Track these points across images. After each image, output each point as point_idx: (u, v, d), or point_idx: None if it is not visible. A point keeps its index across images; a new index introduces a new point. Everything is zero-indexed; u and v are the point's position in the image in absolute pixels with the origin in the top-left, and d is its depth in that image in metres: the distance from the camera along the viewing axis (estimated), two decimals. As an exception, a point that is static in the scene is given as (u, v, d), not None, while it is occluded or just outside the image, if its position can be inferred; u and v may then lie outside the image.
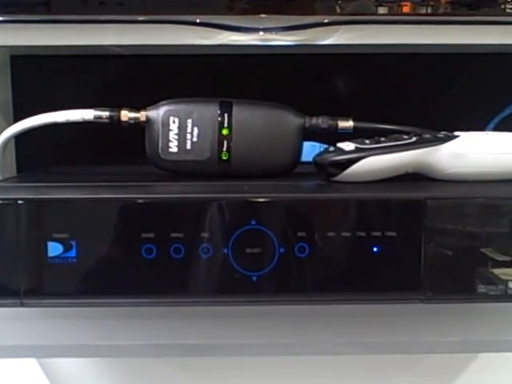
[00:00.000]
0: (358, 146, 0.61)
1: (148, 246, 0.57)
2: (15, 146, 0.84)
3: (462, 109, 0.85)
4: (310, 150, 0.69)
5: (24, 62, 0.87)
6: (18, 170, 0.85)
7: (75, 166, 0.80)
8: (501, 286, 0.58)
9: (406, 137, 0.62)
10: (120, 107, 0.65)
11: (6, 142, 0.68)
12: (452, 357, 0.98)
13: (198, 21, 0.66)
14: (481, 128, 0.70)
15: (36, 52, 0.82)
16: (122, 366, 0.98)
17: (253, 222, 0.57)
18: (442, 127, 0.65)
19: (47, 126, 0.66)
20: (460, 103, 0.86)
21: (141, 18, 0.67)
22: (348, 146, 0.62)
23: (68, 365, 0.99)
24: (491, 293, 0.58)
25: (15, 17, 0.68)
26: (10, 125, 0.77)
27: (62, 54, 0.83)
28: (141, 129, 0.65)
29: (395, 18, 0.67)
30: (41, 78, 0.87)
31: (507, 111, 0.78)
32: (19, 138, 0.69)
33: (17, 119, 0.79)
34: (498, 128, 0.74)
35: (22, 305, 0.57)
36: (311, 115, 0.67)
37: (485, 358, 0.99)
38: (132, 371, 0.98)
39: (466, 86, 0.86)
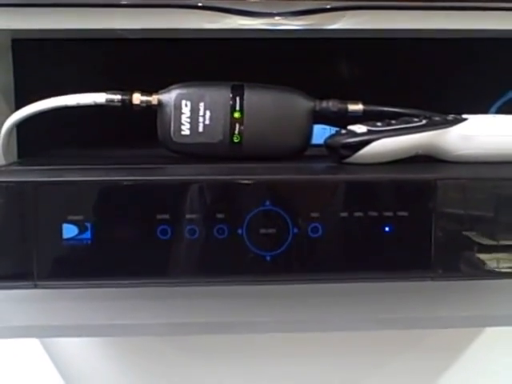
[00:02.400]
0: (370, 128, 0.62)
1: (163, 227, 0.57)
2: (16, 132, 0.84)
3: (465, 93, 0.86)
4: (320, 132, 0.69)
5: (25, 45, 0.86)
6: (19, 155, 0.84)
7: (82, 149, 0.81)
8: (508, 264, 0.59)
9: (416, 119, 0.63)
10: (132, 90, 0.66)
11: (15, 125, 0.69)
12: (456, 333, 0.99)
13: (206, 5, 0.67)
14: (483, 112, 0.71)
15: (37, 36, 0.82)
16: (128, 346, 0.99)
17: (267, 203, 0.58)
18: (445, 111, 0.66)
19: (50, 111, 0.67)
20: (463, 88, 0.87)
21: (150, 2, 0.67)
22: (360, 128, 0.63)
23: (72, 346, 0.99)
24: (499, 270, 0.59)
25: (17, 0, 0.68)
26: (11, 108, 0.78)
27: (63, 38, 0.83)
28: (148, 113, 0.66)
29: (401, 4, 0.68)
30: (42, 61, 0.87)
31: (509, 95, 0.79)
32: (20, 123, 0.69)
33: (18, 103, 0.80)
34: (499, 112, 0.74)
35: (36, 286, 0.58)
36: (321, 99, 0.68)
37: (489, 333, 1.00)
38: (141, 352, 0.98)
39: (469, 71, 0.87)
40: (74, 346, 0.99)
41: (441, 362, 1.02)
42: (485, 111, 0.77)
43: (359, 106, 0.68)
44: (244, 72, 0.69)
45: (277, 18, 0.69)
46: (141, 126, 0.66)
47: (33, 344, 0.99)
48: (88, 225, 0.57)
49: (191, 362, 1.00)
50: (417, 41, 0.84)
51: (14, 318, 0.58)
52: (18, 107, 0.70)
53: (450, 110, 0.66)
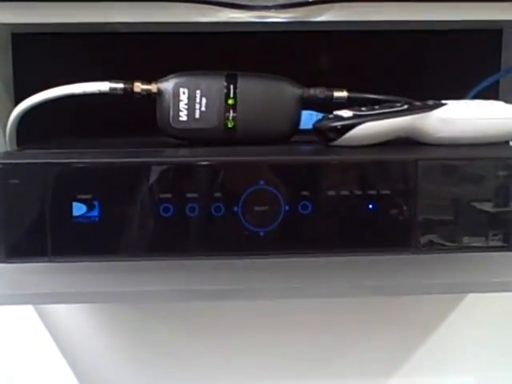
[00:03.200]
0: (356, 113, 0.66)
1: (165, 205, 0.62)
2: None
3: (443, 81, 0.90)
4: (308, 118, 0.72)
5: (25, 39, 0.89)
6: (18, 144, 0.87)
7: (81, 137, 0.83)
8: (482, 238, 0.63)
9: (398, 104, 0.67)
10: (133, 79, 0.69)
11: (22, 114, 0.72)
12: (439, 301, 1.03)
13: (200, -1, 0.71)
14: (461, 98, 0.75)
15: (36, 30, 0.85)
16: (123, 316, 1.03)
17: (261, 183, 0.62)
18: (426, 98, 0.69)
19: (48, 102, 0.70)
20: (441, 76, 0.91)
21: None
22: (346, 113, 0.66)
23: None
24: (474, 244, 0.63)
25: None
26: (11, 100, 0.81)
27: (61, 32, 0.86)
28: (142, 102, 0.70)
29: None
30: (41, 54, 0.90)
31: (484, 84, 0.82)
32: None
33: (18, 95, 0.83)
34: (475, 98, 0.77)
35: (50, 261, 0.62)
36: (309, 86, 0.71)
37: (467, 302, 1.04)
38: (137, 321, 1.02)
39: (447, 61, 0.92)
40: (68, 315, 1.02)
41: (424, 330, 1.06)
42: (462, 98, 0.80)
43: (344, 93, 0.71)
44: (238, 62, 0.73)
45: (265, 11, 0.72)
46: (141, 114, 0.70)
47: (28, 313, 1.02)
48: (96, 203, 0.61)
49: (183, 332, 1.03)
50: (400, 32, 0.88)
51: (31, 287, 0.61)
52: (17, 98, 0.74)
53: (431, 98, 0.69)
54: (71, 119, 0.87)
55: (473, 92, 0.81)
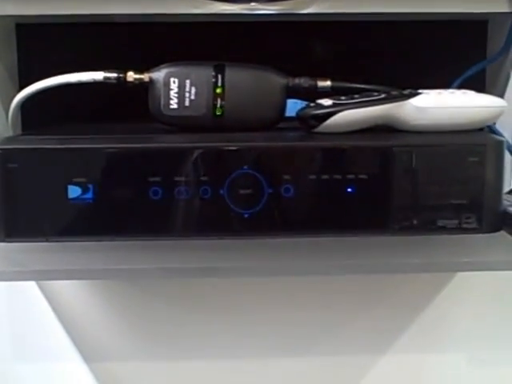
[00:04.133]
0: (335, 101, 0.69)
1: (155, 188, 0.65)
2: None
3: (430, 71, 0.93)
4: (293, 106, 0.75)
5: (28, 29, 0.92)
6: (23, 129, 0.90)
7: (81, 124, 0.87)
8: (456, 221, 0.66)
9: (376, 94, 0.70)
10: (126, 69, 0.72)
11: (22, 102, 0.75)
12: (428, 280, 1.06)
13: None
14: (447, 87, 0.77)
15: (39, 21, 0.87)
16: (121, 291, 1.05)
17: (245, 167, 0.65)
18: (414, 87, 0.72)
19: (50, 91, 0.73)
20: (428, 66, 0.94)
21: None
22: (326, 101, 0.69)
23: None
24: (448, 226, 0.67)
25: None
26: (16, 87, 0.85)
27: (63, 23, 0.88)
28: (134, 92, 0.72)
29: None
30: (44, 44, 0.92)
31: (468, 73, 0.85)
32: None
33: (22, 82, 0.86)
34: (460, 88, 0.78)
35: (47, 240, 0.66)
36: (294, 76, 0.74)
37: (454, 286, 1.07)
38: (133, 296, 1.05)
39: (435, 51, 0.94)
40: (70, 292, 1.05)
41: (415, 308, 1.08)
42: (449, 87, 0.82)
43: (327, 83, 0.74)
44: (225, 52, 0.76)
45: (254, 3, 0.75)
46: (134, 102, 0.72)
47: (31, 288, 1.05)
48: (90, 186, 0.65)
49: (181, 308, 1.06)
50: (387, 23, 0.90)
51: (29, 265, 0.64)
52: (21, 86, 0.75)
53: (418, 87, 0.72)
54: (74, 106, 0.90)
55: (459, 81, 0.83)
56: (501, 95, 0.86)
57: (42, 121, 0.85)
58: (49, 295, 1.04)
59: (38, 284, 1.03)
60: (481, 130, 0.73)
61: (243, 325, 1.05)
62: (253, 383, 1.08)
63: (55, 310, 1.05)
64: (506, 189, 0.80)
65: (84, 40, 0.92)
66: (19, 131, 0.86)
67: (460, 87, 0.78)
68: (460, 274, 1.04)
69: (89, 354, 1.06)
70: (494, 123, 0.79)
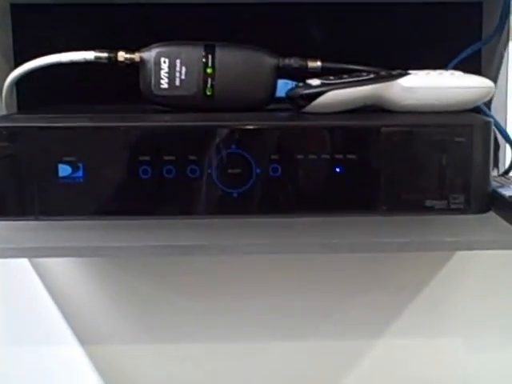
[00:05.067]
0: (323, 81, 0.69)
1: (144, 167, 0.65)
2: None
3: (425, 53, 0.92)
4: (284, 87, 0.75)
5: (22, 9, 0.92)
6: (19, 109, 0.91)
7: (76, 104, 0.86)
8: (444, 201, 0.67)
9: (364, 74, 0.70)
10: (117, 49, 0.72)
11: (15, 81, 0.76)
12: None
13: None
14: (443, 68, 0.76)
15: (33, 1, 0.89)
16: (111, 268, 1.05)
17: (233, 147, 0.65)
18: (406, 67, 0.72)
19: (46, 71, 0.73)
20: (423, 48, 0.93)
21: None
22: (315, 81, 0.69)
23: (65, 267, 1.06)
24: (436, 207, 0.67)
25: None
26: (11, 67, 0.85)
27: (57, 3, 0.90)
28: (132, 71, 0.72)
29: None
30: (38, 24, 0.93)
31: (463, 55, 0.85)
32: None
33: (17, 62, 0.87)
34: (456, 69, 0.77)
35: (37, 219, 0.66)
36: (284, 57, 0.74)
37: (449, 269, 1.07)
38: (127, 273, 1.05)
39: (431, 32, 0.94)
40: (63, 270, 1.05)
41: (411, 291, 1.07)
42: (445, 68, 0.81)
43: (318, 63, 0.74)
44: (216, 33, 0.76)
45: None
46: (125, 82, 0.73)
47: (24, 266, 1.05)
48: (80, 165, 0.65)
49: (176, 288, 1.06)
50: (383, 4, 0.91)
51: (19, 242, 0.64)
52: (16, 66, 0.76)
53: (415, 68, 0.72)
54: (67, 87, 0.91)
55: (454, 62, 0.83)
56: (496, 76, 0.86)
57: (38, 102, 0.86)
58: (43, 276, 1.05)
59: (31, 264, 1.03)
60: (471, 111, 0.72)
61: (240, 308, 1.05)
62: (250, 367, 1.08)
63: (50, 291, 1.05)
64: (501, 171, 0.81)
65: (79, 20, 0.93)
66: (15, 111, 0.86)
67: (455, 69, 0.77)
68: (457, 257, 1.04)
69: (83, 335, 1.07)
70: (488, 105, 0.79)
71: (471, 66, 0.78)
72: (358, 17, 0.93)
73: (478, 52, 0.90)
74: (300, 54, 0.74)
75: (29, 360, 1.07)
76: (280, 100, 0.74)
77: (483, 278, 1.06)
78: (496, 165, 0.86)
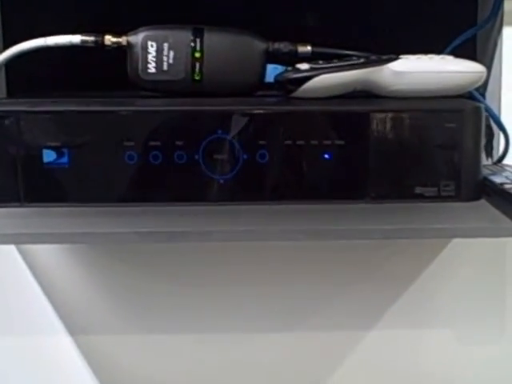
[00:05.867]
0: (312, 66, 0.68)
1: (130, 152, 0.65)
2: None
3: (419, 39, 0.90)
4: (273, 72, 0.74)
5: None
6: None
7: (67, 89, 0.85)
8: (434, 188, 0.66)
9: (354, 58, 0.70)
10: (104, 32, 0.71)
11: (1, 66, 0.75)
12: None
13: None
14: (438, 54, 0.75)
15: None
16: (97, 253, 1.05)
17: (219, 132, 0.65)
18: (403, 53, 0.71)
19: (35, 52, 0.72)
20: (417, 34, 0.93)
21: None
22: (304, 66, 0.69)
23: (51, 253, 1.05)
24: (426, 194, 0.66)
25: None
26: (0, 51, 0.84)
27: None
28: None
29: None
30: (27, 8, 0.92)
31: (457, 41, 0.84)
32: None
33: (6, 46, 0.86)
34: (454, 53, 0.78)
35: (22, 206, 0.65)
36: (274, 41, 0.73)
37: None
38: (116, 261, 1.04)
39: (425, 17, 0.93)
40: (49, 255, 1.04)
41: (401, 283, 1.07)
42: (440, 53, 0.80)
43: (308, 48, 0.74)
44: (204, 16, 0.74)
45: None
46: (112, 66, 0.72)
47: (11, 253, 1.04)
48: (65, 150, 0.65)
49: (167, 278, 1.05)
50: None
51: (5, 228, 0.64)
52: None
53: (408, 53, 0.71)
54: (57, 71, 0.90)
55: (449, 48, 0.82)
56: (490, 63, 0.86)
57: (28, 87, 0.86)
58: (30, 263, 1.04)
59: (18, 251, 1.03)
60: (465, 98, 0.72)
61: (229, 298, 1.05)
62: (238, 358, 1.07)
63: (37, 279, 1.05)
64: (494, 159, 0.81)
65: (65, 3, 0.92)
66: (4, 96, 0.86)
67: (451, 53, 0.76)
68: (449, 248, 1.04)
69: (71, 325, 1.06)
70: (481, 91, 0.78)
71: (466, 53, 0.76)
72: (350, 1, 0.92)
73: (473, 38, 0.89)
74: (290, 39, 0.74)
75: (16, 349, 1.07)
76: (269, 85, 0.73)
77: (473, 268, 1.05)
78: (490, 154, 0.84)
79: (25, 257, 1.03)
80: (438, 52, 0.76)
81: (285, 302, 1.06)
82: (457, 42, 0.83)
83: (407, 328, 1.07)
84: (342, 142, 0.65)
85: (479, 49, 0.91)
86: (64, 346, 1.06)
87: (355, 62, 0.69)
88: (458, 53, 0.76)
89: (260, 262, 1.03)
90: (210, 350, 1.07)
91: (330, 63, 0.68)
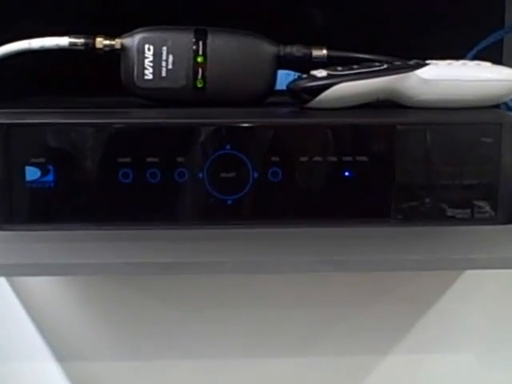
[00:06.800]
0: (331, 72, 0.63)
1: (125, 170, 0.59)
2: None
3: (443, 41, 0.88)
4: (285, 78, 0.70)
5: None
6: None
7: (49, 96, 0.80)
8: (467, 210, 0.60)
9: (377, 64, 0.64)
10: (95, 34, 0.66)
11: None
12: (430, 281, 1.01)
13: None
14: (460, 58, 0.71)
15: None
16: (97, 287, 1.01)
17: (227, 147, 0.59)
18: (422, 56, 0.66)
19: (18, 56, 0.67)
20: (441, 35, 0.89)
21: None
22: (320, 72, 0.63)
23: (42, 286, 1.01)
24: (459, 216, 0.60)
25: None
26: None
27: None
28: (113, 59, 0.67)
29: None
30: (10, 6, 0.87)
31: (483, 44, 0.79)
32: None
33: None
34: (478, 57, 0.74)
35: (1, 229, 0.59)
36: (286, 44, 0.68)
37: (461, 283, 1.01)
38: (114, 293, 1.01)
39: (448, 19, 0.89)
40: (42, 286, 1.00)
41: (414, 309, 1.04)
42: (462, 58, 0.77)
43: (323, 52, 0.68)
44: (208, 16, 0.70)
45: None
46: (104, 72, 0.67)
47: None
48: (50, 167, 0.58)
49: (160, 304, 1.02)
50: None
51: None
52: None
53: (429, 58, 0.66)
54: (42, 77, 0.85)
55: (473, 52, 0.77)
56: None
57: (9, 95, 0.78)
58: (18, 289, 1.00)
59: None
60: (496, 107, 0.66)
61: (237, 322, 1.02)
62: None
63: (26, 305, 1.01)
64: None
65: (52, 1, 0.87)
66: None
67: (475, 59, 0.71)
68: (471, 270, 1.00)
69: (63, 352, 1.03)
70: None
71: (492, 56, 0.71)
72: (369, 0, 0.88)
73: (500, 41, 0.84)
74: (303, 41, 0.69)
75: (6, 379, 1.03)
76: (280, 93, 0.68)
77: (496, 292, 1.02)
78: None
79: (12, 283, 1.00)
80: (461, 56, 0.72)
81: (297, 326, 1.04)
82: (483, 44, 0.78)
83: (426, 353, 1.05)
84: (364, 159, 0.60)
85: (506, 53, 0.87)
86: (54, 372, 1.03)
87: (378, 68, 0.63)
88: (483, 57, 0.72)
89: (269, 285, 1.01)
90: (217, 377, 1.04)
91: (350, 69, 0.63)
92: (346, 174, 0.60)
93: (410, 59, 0.65)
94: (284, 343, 1.03)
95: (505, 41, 0.86)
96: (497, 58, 0.72)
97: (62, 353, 1.02)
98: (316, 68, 0.66)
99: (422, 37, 0.88)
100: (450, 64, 0.64)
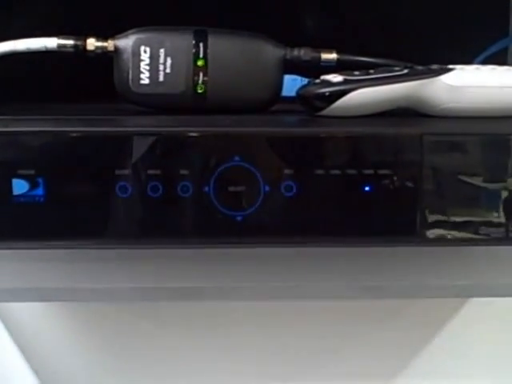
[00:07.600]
0: (347, 77, 0.60)
1: (122, 183, 0.55)
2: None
3: (449, 46, 0.86)
4: (291, 83, 0.68)
5: None
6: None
7: (36, 103, 0.78)
8: (502, 229, 0.57)
9: (397, 68, 0.61)
10: (86, 35, 0.64)
11: None
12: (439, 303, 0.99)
13: None
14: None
15: None
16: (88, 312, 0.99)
17: (236, 159, 0.55)
18: (429, 63, 0.64)
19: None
20: (446, 41, 0.88)
21: None
22: (335, 77, 0.60)
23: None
24: (493, 235, 0.57)
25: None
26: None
27: None
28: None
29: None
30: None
31: (492, 49, 0.79)
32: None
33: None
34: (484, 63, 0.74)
35: (-15, 248, 0.56)
36: (293, 47, 0.66)
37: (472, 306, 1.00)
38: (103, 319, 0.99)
39: (453, 25, 0.89)
40: (27, 311, 0.98)
41: (423, 333, 1.02)
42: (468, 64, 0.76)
43: (333, 55, 0.66)
44: (208, 16, 0.69)
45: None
46: (96, 77, 0.65)
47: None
48: (40, 180, 0.55)
49: (152, 330, 1.01)
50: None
51: None
52: None
53: (434, 63, 0.64)
54: (30, 82, 0.83)
55: (480, 58, 0.77)
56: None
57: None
58: (5, 316, 0.99)
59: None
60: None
61: (237, 349, 1.01)
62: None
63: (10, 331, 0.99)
64: None
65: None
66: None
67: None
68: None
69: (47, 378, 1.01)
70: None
71: (496, 62, 0.68)
72: (372, 5, 0.88)
73: (505, 49, 0.84)
74: (311, 44, 0.67)
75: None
76: (286, 100, 0.67)
77: (506, 318, 1.02)
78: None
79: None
80: (468, 62, 0.69)
81: (299, 352, 1.03)
82: (491, 50, 0.78)
83: (438, 379, 1.04)
84: (387, 172, 0.56)
85: (510, 59, 0.87)
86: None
87: (399, 73, 0.60)
88: (489, 63, 0.69)
89: (270, 309, 1.00)
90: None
91: (367, 74, 0.60)
92: (367, 188, 0.56)
93: (420, 64, 0.63)
94: (294, 369, 1.03)
95: (510, 48, 0.86)
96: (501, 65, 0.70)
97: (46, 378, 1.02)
98: (324, 72, 0.63)
99: (428, 44, 0.88)
100: (477, 69, 0.62)
